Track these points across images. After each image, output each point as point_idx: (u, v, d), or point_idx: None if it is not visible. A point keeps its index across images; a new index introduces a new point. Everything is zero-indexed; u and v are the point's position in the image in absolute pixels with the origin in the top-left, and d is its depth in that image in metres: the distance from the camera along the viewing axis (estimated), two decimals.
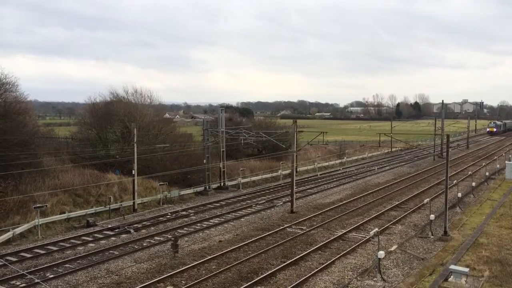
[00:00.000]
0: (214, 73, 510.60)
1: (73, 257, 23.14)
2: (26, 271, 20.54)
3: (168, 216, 32.46)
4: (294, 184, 34.26)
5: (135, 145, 35.23)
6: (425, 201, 31.16)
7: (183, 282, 20.12)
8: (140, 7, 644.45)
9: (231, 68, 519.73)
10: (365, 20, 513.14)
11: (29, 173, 33.31)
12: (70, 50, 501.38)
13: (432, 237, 26.99)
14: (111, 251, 24.33)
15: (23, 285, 19.50)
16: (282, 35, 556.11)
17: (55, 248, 24.78)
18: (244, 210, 34.41)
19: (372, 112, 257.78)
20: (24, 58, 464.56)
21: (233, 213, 33.36)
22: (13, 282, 19.89)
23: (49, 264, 22.04)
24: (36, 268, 21.47)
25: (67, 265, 22.08)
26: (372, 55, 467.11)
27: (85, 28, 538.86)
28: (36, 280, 16.66)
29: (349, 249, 24.38)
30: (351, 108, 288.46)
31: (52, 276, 20.55)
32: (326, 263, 22.18)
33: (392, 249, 24.16)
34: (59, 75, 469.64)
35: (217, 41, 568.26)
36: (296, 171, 43.76)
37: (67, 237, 26.91)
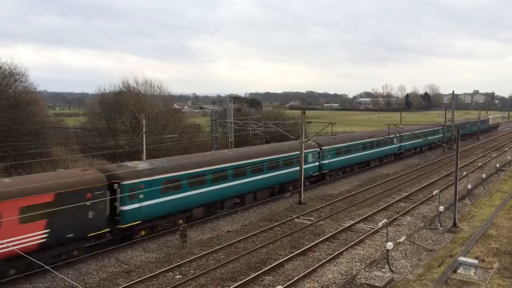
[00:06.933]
0: (218, 63, 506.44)
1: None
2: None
3: None
4: (303, 174, 34.22)
5: (144, 135, 35.34)
6: (434, 192, 31.00)
7: (191, 271, 20.27)
8: None
9: (235, 58, 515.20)
10: (369, 7, 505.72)
11: (39, 162, 33.67)
12: (69, 39, 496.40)
13: (441, 228, 26.86)
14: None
15: (33, 273, 19.72)
16: (284, 23, 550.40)
17: None
18: (252, 201, 34.38)
19: (381, 103, 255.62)
20: (25, 47, 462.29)
21: (241, 204, 33.35)
22: None
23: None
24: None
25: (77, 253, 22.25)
26: (379, 45, 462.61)
27: (81, 16, 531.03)
28: (47, 267, 16.96)
29: (357, 240, 24.37)
30: (360, 99, 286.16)
31: (62, 263, 20.76)
32: (334, 254, 22.21)
33: (401, 240, 24.11)
34: (62, 65, 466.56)
35: (218, 30, 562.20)
36: None
37: None
